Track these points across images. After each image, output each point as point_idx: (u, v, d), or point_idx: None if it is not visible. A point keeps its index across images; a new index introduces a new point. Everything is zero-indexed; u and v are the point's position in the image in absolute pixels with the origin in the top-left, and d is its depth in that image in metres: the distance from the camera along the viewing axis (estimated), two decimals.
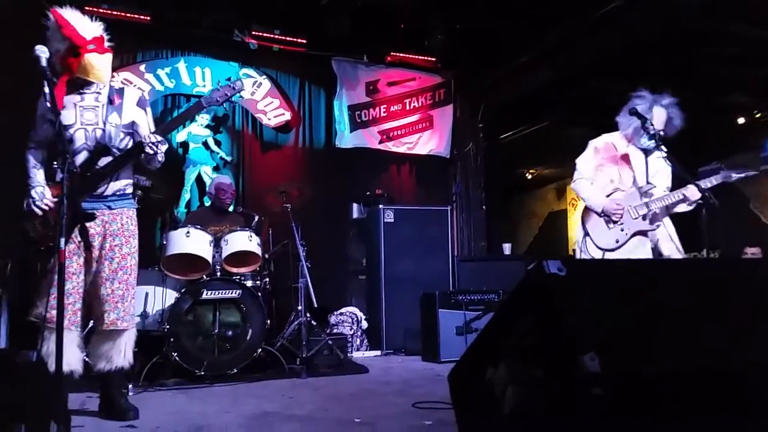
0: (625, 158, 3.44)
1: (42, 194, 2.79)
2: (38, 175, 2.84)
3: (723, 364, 1.12)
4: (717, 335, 1.17)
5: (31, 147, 2.87)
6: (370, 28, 6.56)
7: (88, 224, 2.72)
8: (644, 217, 3.29)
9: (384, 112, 7.02)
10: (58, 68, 2.75)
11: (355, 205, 6.52)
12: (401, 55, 7.13)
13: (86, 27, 2.80)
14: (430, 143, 7.22)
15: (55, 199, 2.73)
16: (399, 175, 7.17)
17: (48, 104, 2.47)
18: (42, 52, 2.49)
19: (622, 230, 3.32)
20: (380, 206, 5.91)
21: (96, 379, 3.01)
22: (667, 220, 3.38)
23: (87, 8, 5.46)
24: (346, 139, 6.78)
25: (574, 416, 1.06)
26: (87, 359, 3.75)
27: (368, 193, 6.45)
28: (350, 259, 6.59)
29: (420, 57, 7.18)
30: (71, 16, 2.79)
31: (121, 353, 2.92)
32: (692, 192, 3.17)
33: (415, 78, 7.23)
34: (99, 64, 2.81)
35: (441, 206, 6.27)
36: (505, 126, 8.46)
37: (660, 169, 3.44)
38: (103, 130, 2.85)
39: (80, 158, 2.81)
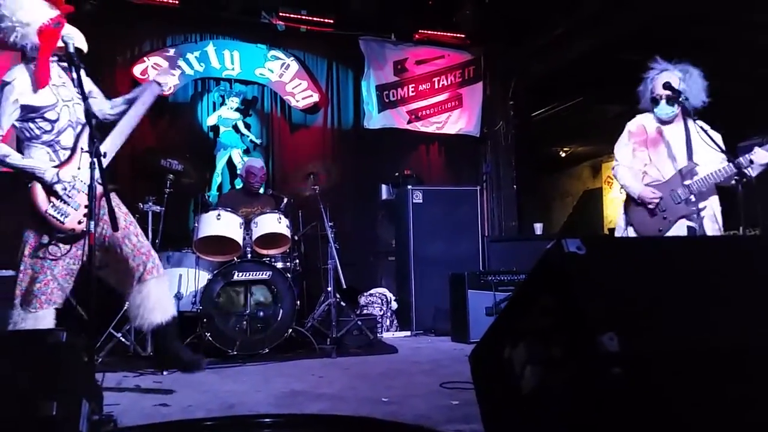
0: (656, 139, 3.32)
1: (70, 177, 2.73)
2: (37, 162, 2.69)
3: (746, 342, 1.08)
4: (740, 314, 1.12)
5: None
6: (397, 6, 6.48)
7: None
8: (687, 202, 3.17)
9: (412, 92, 6.95)
10: (38, 43, 2.64)
11: (383, 186, 6.51)
12: (429, 32, 7.03)
13: None
14: (459, 122, 7.14)
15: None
16: (428, 155, 7.12)
17: (76, 89, 2.51)
18: (69, 38, 2.52)
19: (665, 218, 3.21)
20: (409, 187, 5.89)
21: (151, 334, 3.07)
22: (713, 199, 3.25)
23: None
24: (374, 119, 6.75)
25: (592, 396, 1.04)
26: (121, 338, 3.84)
27: (397, 173, 6.42)
28: (380, 240, 6.60)
29: (449, 34, 7.07)
30: None
31: (169, 300, 2.99)
32: (761, 155, 2.98)
33: (444, 55, 7.13)
34: (80, 37, 2.74)
35: (470, 186, 6.21)
36: (536, 103, 8.28)
37: (704, 143, 3.22)
38: (87, 103, 2.75)
39: (66, 136, 2.77)
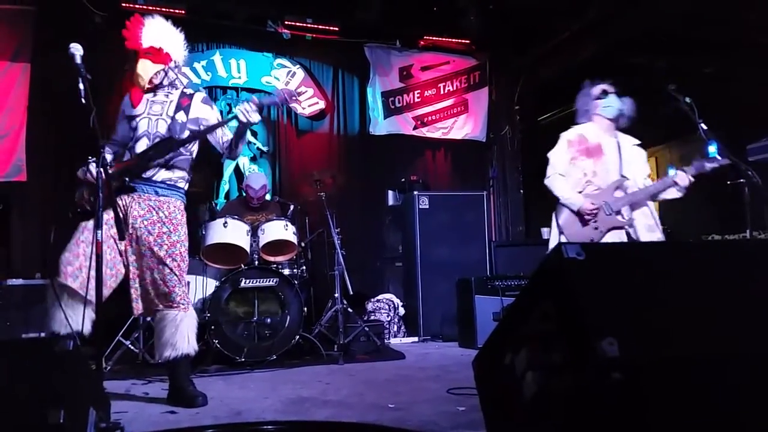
0: (598, 149, 3.34)
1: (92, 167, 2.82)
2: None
3: (745, 348, 1.08)
4: (740, 319, 1.12)
5: (109, 143, 2.99)
6: (402, 13, 6.51)
7: (132, 206, 2.86)
8: (617, 213, 3.24)
9: (418, 98, 6.98)
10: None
11: (390, 192, 6.52)
12: (435, 38, 7.05)
13: (149, 35, 3.03)
14: (465, 128, 7.15)
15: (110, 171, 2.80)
16: (434, 160, 7.13)
17: (83, 100, 2.53)
18: (76, 49, 2.55)
19: (596, 228, 3.24)
20: (415, 192, 5.90)
21: (164, 367, 3.02)
22: (646, 210, 3.31)
23: (124, 5, 5.69)
24: (380, 125, 6.78)
25: (593, 401, 1.04)
26: (130, 346, 3.85)
27: (403, 179, 6.43)
28: (387, 245, 6.60)
29: (454, 40, 7.09)
30: (148, 23, 3.06)
31: (185, 339, 2.90)
32: (681, 178, 3.15)
33: (450, 61, 7.15)
34: (143, 70, 3.01)
35: (477, 191, 6.20)
36: (542, 107, 8.27)
37: (634, 156, 3.39)
38: (173, 120, 2.99)
39: (141, 144, 2.94)
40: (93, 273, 2.63)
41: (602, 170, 3.32)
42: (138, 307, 2.93)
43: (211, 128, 3.03)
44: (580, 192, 3.33)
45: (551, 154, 3.42)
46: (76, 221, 2.85)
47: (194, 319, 3.00)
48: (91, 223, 2.78)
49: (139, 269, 2.90)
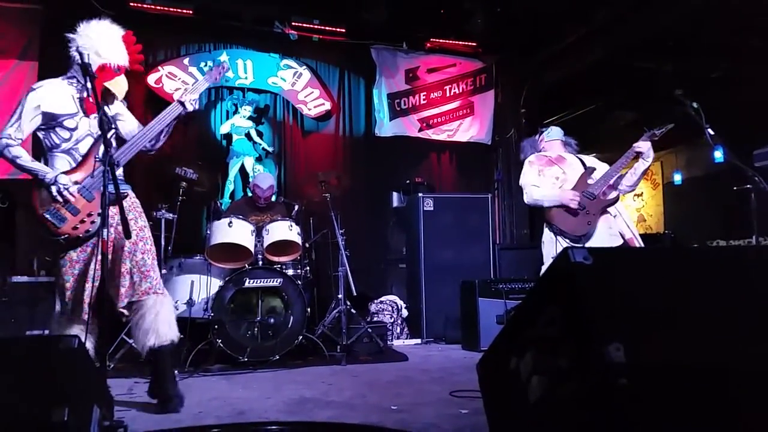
0: (560, 157, 3.74)
1: (68, 181, 2.69)
2: (44, 166, 2.75)
3: (754, 354, 1.07)
4: (748, 326, 1.11)
5: (13, 144, 2.70)
6: (409, 15, 6.51)
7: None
8: (602, 194, 3.53)
9: (424, 100, 6.98)
10: (92, 71, 2.74)
11: (395, 194, 6.52)
12: (441, 41, 7.06)
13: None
14: (470, 130, 7.14)
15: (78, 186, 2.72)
16: (439, 162, 7.13)
17: (91, 98, 2.55)
18: (84, 48, 2.56)
19: (587, 213, 3.49)
20: (420, 194, 5.89)
21: (147, 359, 2.91)
22: (618, 204, 3.67)
23: (132, 4, 5.71)
24: (386, 127, 6.78)
25: (599, 406, 1.04)
26: (133, 344, 3.82)
27: (408, 181, 6.43)
28: (390, 247, 6.60)
29: (460, 42, 7.09)
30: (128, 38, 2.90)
31: (167, 324, 2.79)
32: (640, 145, 3.46)
33: (456, 64, 7.15)
34: (122, 87, 2.92)
35: (482, 194, 6.18)
36: (548, 111, 8.26)
37: (595, 160, 3.80)
38: (107, 116, 2.78)
39: (85, 145, 2.78)
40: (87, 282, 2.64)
41: (570, 170, 3.66)
42: (136, 291, 2.79)
43: (171, 122, 2.94)
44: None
45: (521, 179, 3.77)
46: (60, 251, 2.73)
47: (172, 304, 2.92)
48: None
49: (113, 264, 2.77)
